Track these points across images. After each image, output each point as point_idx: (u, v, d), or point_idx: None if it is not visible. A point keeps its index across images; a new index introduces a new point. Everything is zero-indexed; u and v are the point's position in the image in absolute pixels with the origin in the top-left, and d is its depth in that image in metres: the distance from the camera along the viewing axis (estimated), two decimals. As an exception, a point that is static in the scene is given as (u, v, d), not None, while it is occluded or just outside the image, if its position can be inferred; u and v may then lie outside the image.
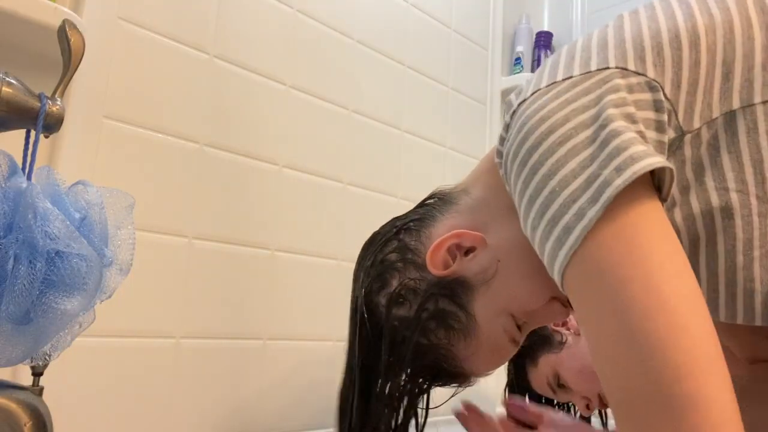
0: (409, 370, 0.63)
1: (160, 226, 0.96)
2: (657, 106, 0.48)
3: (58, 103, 0.58)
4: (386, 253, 0.64)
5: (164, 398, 0.95)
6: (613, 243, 0.42)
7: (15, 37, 0.79)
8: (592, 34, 0.55)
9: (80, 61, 0.61)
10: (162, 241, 0.96)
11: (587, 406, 1.01)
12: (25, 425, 0.57)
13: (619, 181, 0.42)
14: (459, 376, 0.66)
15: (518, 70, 1.72)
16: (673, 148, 0.49)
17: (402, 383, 0.63)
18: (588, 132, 0.46)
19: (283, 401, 1.10)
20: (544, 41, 1.77)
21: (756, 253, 0.47)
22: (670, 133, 0.48)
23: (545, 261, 0.47)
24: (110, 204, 0.61)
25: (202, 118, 1.02)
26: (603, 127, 0.45)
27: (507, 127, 0.53)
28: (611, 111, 0.45)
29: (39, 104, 0.57)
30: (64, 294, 0.53)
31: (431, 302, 0.61)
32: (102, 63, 0.91)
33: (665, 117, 0.48)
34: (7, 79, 0.55)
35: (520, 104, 0.52)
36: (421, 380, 0.64)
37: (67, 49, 0.60)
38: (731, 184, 0.48)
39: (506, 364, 1.09)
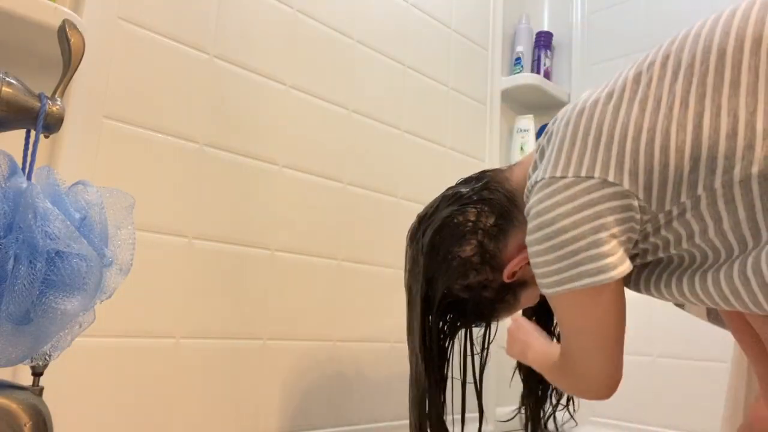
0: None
1: (160, 226, 0.96)
2: (630, 207, 0.63)
3: (58, 103, 0.58)
4: (468, 254, 0.83)
5: (164, 398, 0.95)
6: (586, 302, 0.69)
7: (15, 37, 0.79)
8: (592, 115, 0.67)
9: (80, 61, 0.61)
10: (162, 241, 0.96)
11: None
12: (25, 425, 0.57)
13: (597, 278, 0.65)
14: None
15: (518, 70, 1.72)
16: (648, 225, 0.65)
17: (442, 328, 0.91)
18: (567, 236, 0.65)
19: (283, 401, 1.10)
20: (544, 41, 1.77)
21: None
22: (644, 218, 0.64)
23: (541, 280, 0.70)
24: (110, 204, 0.61)
25: (202, 118, 1.03)
26: (579, 238, 0.64)
27: (530, 191, 0.71)
28: (588, 226, 0.64)
29: (39, 104, 0.57)
30: (64, 294, 0.53)
31: (499, 297, 0.86)
32: (102, 63, 0.91)
33: (638, 216, 0.64)
34: (7, 79, 0.55)
35: (536, 182, 0.69)
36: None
37: (67, 49, 0.60)
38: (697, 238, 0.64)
39: None
